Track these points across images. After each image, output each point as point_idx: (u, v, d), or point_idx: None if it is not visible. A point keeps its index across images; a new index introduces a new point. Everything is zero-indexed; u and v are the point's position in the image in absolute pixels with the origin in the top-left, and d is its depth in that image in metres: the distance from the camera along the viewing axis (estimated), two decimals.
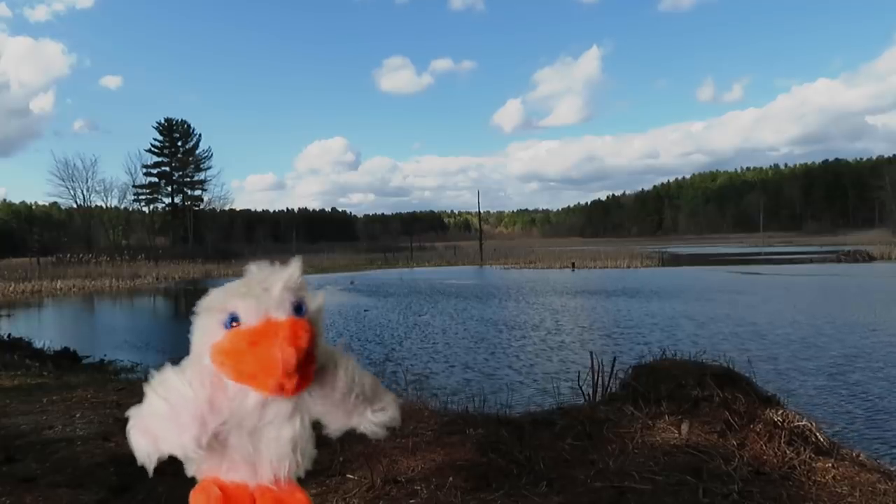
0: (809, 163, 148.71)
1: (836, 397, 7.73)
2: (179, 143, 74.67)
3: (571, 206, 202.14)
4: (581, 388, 5.71)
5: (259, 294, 1.06)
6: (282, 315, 1.05)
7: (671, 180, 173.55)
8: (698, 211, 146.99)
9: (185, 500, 1.18)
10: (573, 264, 42.26)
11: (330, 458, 3.59)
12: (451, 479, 3.40)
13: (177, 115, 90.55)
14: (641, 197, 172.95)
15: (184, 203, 73.76)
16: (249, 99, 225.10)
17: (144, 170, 71.64)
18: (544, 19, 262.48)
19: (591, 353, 6.35)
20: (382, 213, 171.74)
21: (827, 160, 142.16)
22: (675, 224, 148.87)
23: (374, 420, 1.21)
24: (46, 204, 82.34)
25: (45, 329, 17.68)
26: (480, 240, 63.81)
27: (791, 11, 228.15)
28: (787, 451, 3.71)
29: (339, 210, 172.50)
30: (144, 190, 72.21)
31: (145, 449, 1.07)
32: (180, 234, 71.24)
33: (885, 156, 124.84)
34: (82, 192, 62.83)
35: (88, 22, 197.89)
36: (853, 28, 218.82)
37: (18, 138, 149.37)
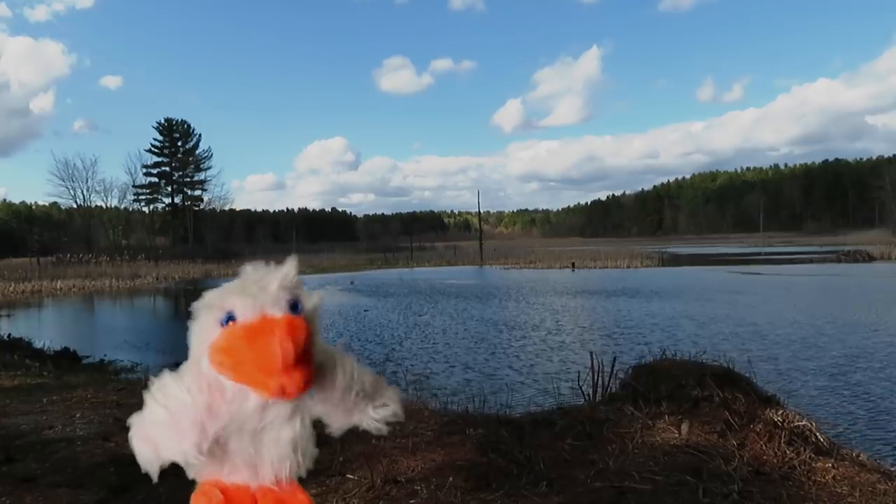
0: (809, 163, 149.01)
1: (838, 398, 7.73)
2: (179, 143, 74.69)
3: (571, 206, 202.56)
4: (581, 388, 5.71)
5: (255, 292, 1.07)
6: (278, 312, 1.05)
7: (671, 180, 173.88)
8: (698, 211, 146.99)
9: (185, 501, 1.17)
10: (573, 264, 42.25)
11: (330, 458, 3.59)
12: (451, 479, 3.40)
13: (177, 115, 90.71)
14: (641, 197, 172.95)
15: (184, 203, 73.76)
16: (249, 99, 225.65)
17: (144, 170, 71.78)
18: (544, 19, 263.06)
19: (591, 353, 6.35)
20: (382, 213, 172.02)
21: (827, 160, 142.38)
22: (675, 224, 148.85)
23: (375, 416, 1.20)
24: (46, 204, 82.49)
25: (45, 329, 17.68)
26: (480, 240, 63.81)
27: (791, 11, 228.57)
28: (787, 451, 3.71)
29: (339, 210, 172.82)
30: (144, 190, 72.27)
31: (147, 456, 1.07)
32: (180, 234, 71.23)
33: (885, 156, 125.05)
34: (82, 192, 62.94)
35: (88, 22, 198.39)
36: (853, 28, 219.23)
37: (18, 138, 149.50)
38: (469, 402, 5.92)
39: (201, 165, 75.05)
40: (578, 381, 5.96)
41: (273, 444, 1.12)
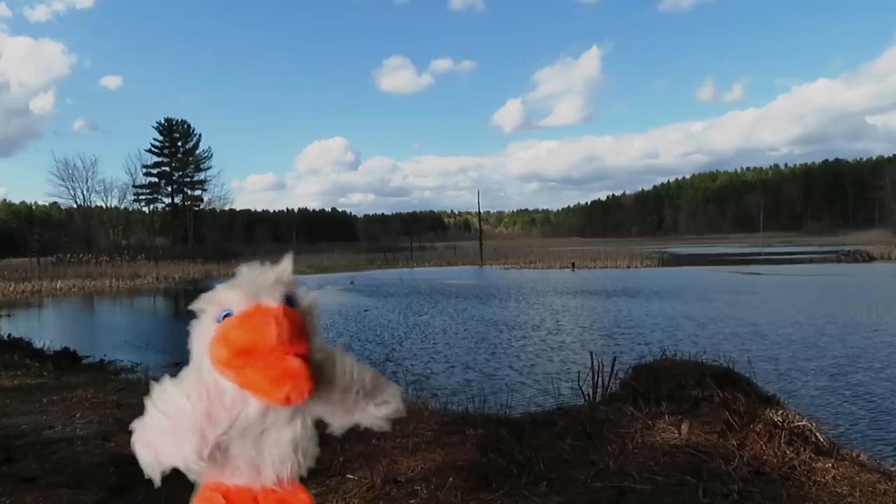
0: (809, 163, 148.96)
1: (839, 398, 7.72)
2: (179, 143, 74.67)
3: (571, 206, 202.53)
4: (581, 388, 5.71)
5: (250, 287, 1.08)
6: (273, 302, 1.06)
7: (671, 180, 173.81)
8: (698, 211, 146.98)
9: (186, 502, 1.17)
10: (573, 264, 42.24)
11: (330, 458, 3.59)
12: (451, 479, 3.40)
13: (177, 115, 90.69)
14: (641, 197, 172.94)
15: (184, 203, 73.76)
16: (249, 99, 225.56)
17: (144, 170, 71.74)
18: (544, 19, 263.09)
19: (592, 353, 6.36)
20: (382, 213, 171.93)
21: (827, 160, 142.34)
22: (675, 224, 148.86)
23: (377, 414, 1.20)
24: (46, 204, 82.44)
25: (45, 329, 17.68)
26: (480, 240, 63.80)
27: (791, 11, 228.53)
28: (787, 451, 3.71)
29: (339, 210, 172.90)
30: (144, 190, 72.25)
31: (149, 461, 1.08)
32: (180, 234, 71.22)
33: (885, 156, 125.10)
34: (82, 192, 62.90)
35: (88, 22, 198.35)
36: (853, 28, 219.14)
37: (18, 138, 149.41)
38: (469, 402, 5.92)
39: (201, 165, 75.10)
40: (578, 381, 5.96)
41: (274, 445, 1.12)
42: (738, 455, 3.67)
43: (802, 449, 3.74)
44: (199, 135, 75.73)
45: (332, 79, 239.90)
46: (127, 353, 12.53)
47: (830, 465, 3.59)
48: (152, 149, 73.42)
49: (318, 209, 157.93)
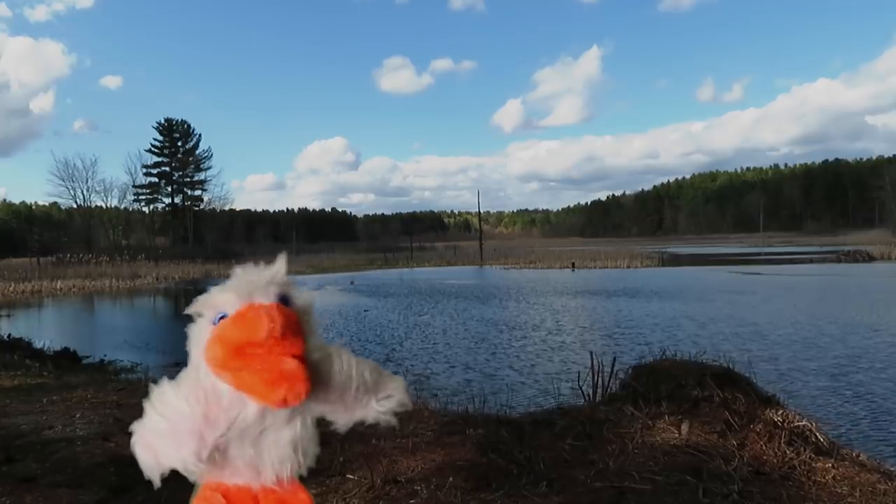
0: (809, 163, 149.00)
1: (840, 398, 7.72)
2: (179, 143, 74.68)
3: (571, 206, 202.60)
4: (581, 388, 5.71)
5: (244, 288, 1.09)
6: (266, 301, 1.07)
7: (671, 180, 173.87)
8: (698, 211, 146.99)
9: (186, 502, 1.18)
10: (573, 264, 42.25)
11: (330, 458, 3.59)
12: (451, 479, 3.40)
13: (177, 115, 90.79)
14: (641, 197, 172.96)
15: (184, 203, 73.77)
16: (249, 99, 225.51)
17: (144, 170, 71.77)
18: (544, 19, 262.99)
19: (592, 353, 6.36)
20: (382, 213, 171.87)
21: (827, 160, 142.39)
22: (675, 224, 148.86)
23: (380, 409, 1.19)
24: (46, 204, 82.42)
25: (45, 329, 17.68)
26: (480, 240, 63.80)
27: (791, 11, 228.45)
28: (787, 452, 3.71)
29: (339, 210, 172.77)
30: (144, 190, 72.27)
31: (148, 463, 1.08)
32: (180, 234, 71.23)
33: (885, 156, 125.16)
34: (82, 192, 62.93)
35: (88, 22, 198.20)
36: (853, 28, 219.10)
37: (18, 138, 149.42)
38: (469, 402, 5.91)
39: (201, 165, 75.12)
40: (578, 381, 5.96)
41: (273, 445, 1.12)
42: (738, 455, 3.67)
43: (802, 449, 3.74)
44: (199, 135, 75.89)
45: (332, 79, 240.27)
46: (127, 354, 12.54)
47: (830, 465, 3.59)
48: (152, 149, 73.54)
49: (318, 209, 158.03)
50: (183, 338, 1.14)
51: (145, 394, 1.12)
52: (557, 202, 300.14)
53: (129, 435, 1.11)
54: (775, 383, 6.57)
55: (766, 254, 52.52)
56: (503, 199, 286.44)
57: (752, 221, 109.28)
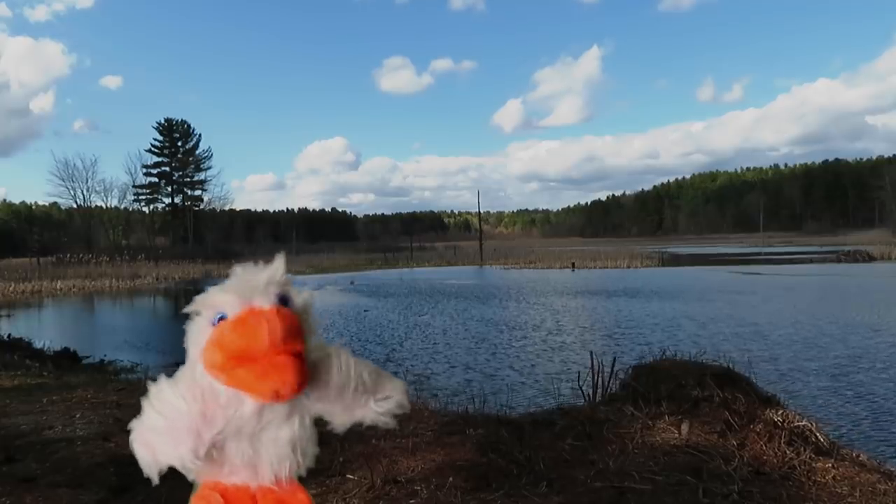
0: (809, 163, 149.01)
1: (840, 398, 7.72)
2: (179, 143, 74.68)
3: (571, 206, 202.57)
4: (581, 388, 5.71)
5: (243, 289, 1.08)
6: (266, 304, 1.06)
7: (671, 180, 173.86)
8: (698, 211, 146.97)
9: (185, 501, 1.17)
10: (573, 264, 42.25)
11: (330, 458, 3.59)
12: (451, 479, 3.40)
13: (177, 115, 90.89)
14: (641, 197, 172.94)
15: (184, 203, 73.76)
16: (249, 99, 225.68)
17: (144, 170, 71.79)
18: (544, 19, 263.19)
19: (592, 353, 6.35)
20: (382, 213, 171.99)
21: (827, 160, 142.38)
22: (675, 224, 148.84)
23: (378, 410, 1.19)
24: (46, 204, 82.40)
25: (45, 329, 17.69)
26: (480, 240, 63.80)
27: (791, 11, 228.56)
28: (787, 452, 3.70)
29: (339, 210, 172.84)
30: (144, 190, 72.28)
31: (147, 460, 1.08)
32: (180, 234, 71.23)
33: (885, 156, 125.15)
34: (82, 192, 62.92)
35: (88, 22, 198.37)
36: (853, 28, 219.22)
37: (18, 138, 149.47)
38: (469, 402, 5.91)
39: (201, 165, 75.13)
40: (579, 381, 5.96)
41: (271, 444, 1.12)
42: (738, 455, 3.67)
43: (802, 449, 3.74)
44: (199, 135, 75.92)
45: (332, 79, 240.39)
46: (127, 354, 12.54)
47: (830, 465, 3.59)
48: (152, 149, 73.55)
49: (318, 209, 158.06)
50: (183, 338, 1.14)
51: (145, 393, 1.12)
52: (557, 202, 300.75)
53: (129, 434, 1.11)
54: (775, 383, 6.58)
55: (766, 254, 52.52)
56: (503, 199, 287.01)
57: (752, 221, 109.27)
